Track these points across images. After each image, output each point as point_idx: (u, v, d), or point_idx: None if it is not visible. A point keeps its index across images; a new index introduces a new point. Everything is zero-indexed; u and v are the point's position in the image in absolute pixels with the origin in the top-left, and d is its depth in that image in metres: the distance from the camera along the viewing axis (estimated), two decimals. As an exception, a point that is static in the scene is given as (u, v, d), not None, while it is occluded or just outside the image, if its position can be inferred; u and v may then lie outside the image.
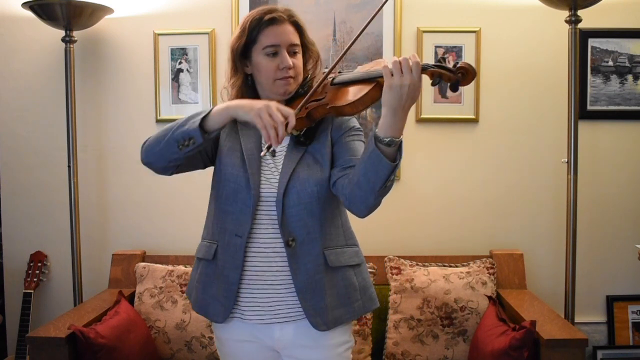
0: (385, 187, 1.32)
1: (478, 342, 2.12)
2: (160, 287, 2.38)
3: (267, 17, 1.45)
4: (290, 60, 1.45)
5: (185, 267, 2.46)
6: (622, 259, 2.58)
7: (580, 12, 2.31)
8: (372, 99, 1.35)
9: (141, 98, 2.64)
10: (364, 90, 1.34)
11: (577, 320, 2.43)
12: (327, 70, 1.43)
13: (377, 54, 2.54)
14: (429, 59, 2.53)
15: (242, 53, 1.49)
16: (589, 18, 2.37)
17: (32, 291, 2.54)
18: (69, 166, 2.52)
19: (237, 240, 1.44)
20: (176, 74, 2.61)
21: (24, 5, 2.38)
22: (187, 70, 2.60)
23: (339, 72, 1.47)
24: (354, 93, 1.36)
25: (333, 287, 1.46)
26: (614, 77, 2.56)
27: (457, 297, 2.29)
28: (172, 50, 2.60)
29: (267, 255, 1.44)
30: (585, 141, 2.52)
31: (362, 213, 1.40)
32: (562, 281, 2.43)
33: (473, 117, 2.56)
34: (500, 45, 2.55)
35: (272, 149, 1.31)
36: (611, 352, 2.53)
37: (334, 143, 1.49)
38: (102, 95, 2.65)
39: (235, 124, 1.52)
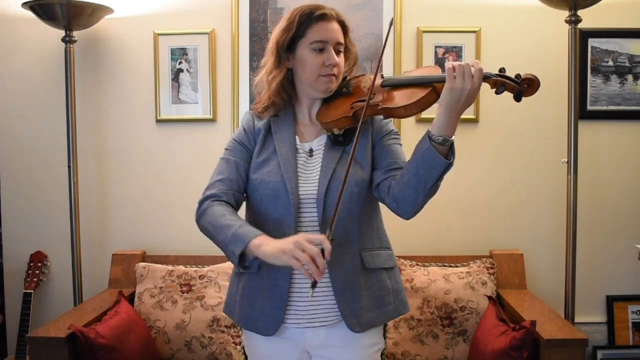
0: (436, 186, 1.34)
1: (478, 342, 2.12)
2: (160, 287, 2.38)
3: (317, 12, 1.44)
4: (336, 58, 1.45)
5: (185, 267, 2.46)
6: (622, 259, 2.58)
7: (580, 12, 2.31)
8: (428, 103, 1.38)
9: (141, 98, 2.64)
10: (419, 94, 1.36)
11: (577, 320, 2.43)
12: (374, 71, 1.44)
13: (377, 53, 2.53)
14: (429, 59, 2.53)
15: (287, 47, 1.48)
16: (589, 18, 2.37)
17: (32, 291, 2.54)
18: (69, 166, 2.52)
19: None
20: (176, 74, 2.61)
21: (24, 5, 2.38)
22: (187, 70, 2.60)
23: (382, 77, 1.47)
24: (408, 96, 1.38)
25: (368, 289, 1.46)
26: (614, 77, 2.55)
27: (457, 297, 2.29)
28: (172, 50, 2.60)
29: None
30: (585, 141, 2.52)
31: (409, 214, 1.40)
32: (562, 281, 2.43)
33: (473, 117, 2.56)
34: (500, 45, 2.54)
35: (317, 284, 1.26)
36: (611, 352, 2.53)
37: (374, 145, 1.49)
38: (102, 96, 2.65)
39: (269, 132, 1.51)
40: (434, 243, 2.59)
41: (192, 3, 2.60)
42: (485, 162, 2.59)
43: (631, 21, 2.53)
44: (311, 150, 1.49)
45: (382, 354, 2.27)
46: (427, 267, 2.40)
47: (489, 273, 2.38)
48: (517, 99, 1.33)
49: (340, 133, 1.46)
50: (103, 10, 2.45)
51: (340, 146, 1.47)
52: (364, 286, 1.45)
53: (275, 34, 1.49)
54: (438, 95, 1.37)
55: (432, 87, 1.36)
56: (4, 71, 2.66)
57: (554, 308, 2.26)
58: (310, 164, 1.48)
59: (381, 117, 1.53)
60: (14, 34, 2.63)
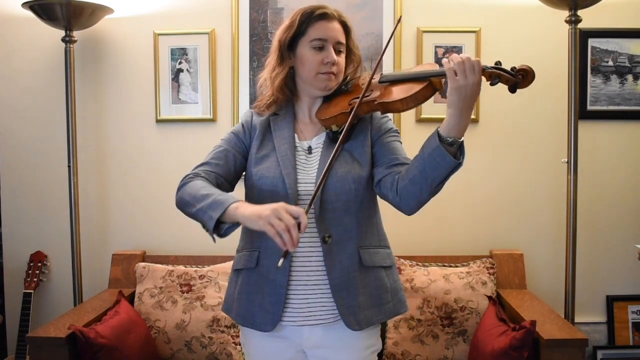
0: (442, 183, 1.34)
1: (478, 342, 2.12)
2: (160, 287, 2.38)
3: (318, 11, 1.47)
4: (335, 56, 1.47)
5: (185, 267, 2.46)
6: (622, 259, 2.58)
7: (580, 12, 2.31)
8: (424, 97, 1.38)
9: (141, 98, 2.64)
10: (415, 88, 1.37)
11: (577, 320, 2.43)
12: (373, 69, 1.45)
13: (377, 53, 2.53)
14: (429, 59, 2.53)
15: (289, 45, 1.50)
16: (589, 18, 2.37)
17: (32, 291, 2.54)
18: (69, 166, 2.52)
19: None
20: (176, 74, 2.61)
21: (24, 5, 2.38)
22: (187, 70, 2.60)
23: (381, 74, 1.49)
24: (405, 90, 1.39)
25: (366, 287, 1.46)
26: (614, 77, 2.55)
27: (457, 297, 2.29)
28: (172, 50, 2.60)
29: (305, 254, 1.44)
30: (585, 141, 2.52)
31: (412, 209, 1.41)
32: (562, 281, 2.43)
33: (473, 117, 2.56)
34: (500, 45, 2.54)
35: (289, 254, 1.27)
36: (611, 352, 2.53)
37: (373, 143, 1.50)
38: (102, 95, 2.65)
39: (269, 130, 1.53)
40: (434, 243, 2.59)
41: (192, 3, 2.60)
42: (486, 162, 2.59)
43: (631, 21, 2.53)
44: (310, 148, 1.50)
45: (383, 355, 2.28)
46: (427, 267, 2.40)
47: (489, 273, 2.38)
48: (512, 90, 1.33)
49: (339, 130, 1.47)
50: (103, 10, 2.45)
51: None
52: (361, 284, 1.45)
53: (278, 32, 1.52)
54: (434, 90, 1.38)
55: (428, 82, 1.37)
56: (5, 71, 2.66)
57: (554, 308, 2.26)
58: (309, 162, 1.49)
59: (380, 115, 1.54)
60: (14, 34, 2.63)
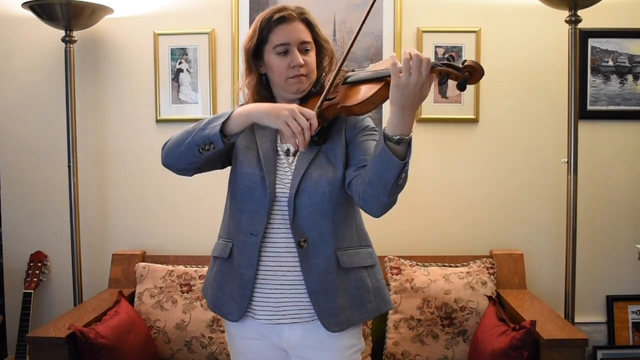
0: (397, 185, 1.30)
1: (478, 342, 2.12)
2: (160, 287, 2.38)
3: (276, 16, 1.44)
4: (300, 58, 1.44)
5: (185, 267, 2.46)
6: (622, 259, 2.58)
7: (580, 12, 2.31)
8: (382, 99, 1.33)
9: (141, 98, 2.64)
10: (372, 90, 1.32)
11: (577, 320, 2.43)
12: (336, 70, 1.42)
13: (377, 54, 2.54)
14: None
15: (255, 53, 1.49)
16: (589, 18, 2.37)
17: (32, 291, 2.54)
18: (69, 166, 2.52)
19: (252, 239, 1.44)
20: (176, 74, 2.61)
21: (24, 5, 2.38)
22: (187, 70, 2.61)
23: (352, 71, 1.45)
24: (363, 92, 1.34)
25: (345, 289, 1.45)
26: (614, 77, 2.56)
27: (457, 297, 2.29)
28: (172, 50, 2.60)
29: (280, 254, 1.44)
30: (585, 141, 2.52)
31: (376, 212, 1.38)
32: (562, 281, 2.43)
33: (473, 117, 2.56)
34: (500, 45, 2.55)
35: (298, 152, 1.32)
36: (611, 352, 2.53)
37: (348, 143, 1.48)
38: (102, 96, 2.65)
39: (252, 126, 1.52)
40: (434, 243, 2.59)
41: (192, 3, 2.60)
42: (485, 162, 2.59)
43: (631, 21, 2.53)
44: (288, 151, 1.49)
45: (383, 355, 2.28)
46: (427, 267, 2.40)
47: (489, 273, 2.38)
48: (461, 88, 1.25)
49: (314, 132, 1.44)
50: (103, 10, 2.45)
51: (315, 146, 1.46)
52: (340, 286, 1.44)
53: (243, 42, 1.51)
54: None
55: (384, 82, 1.31)
56: (4, 71, 2.65)
57: (554, 308, 2.26)
58: (287, 165, 1.48)
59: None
60: (14, 34, 2.63)
